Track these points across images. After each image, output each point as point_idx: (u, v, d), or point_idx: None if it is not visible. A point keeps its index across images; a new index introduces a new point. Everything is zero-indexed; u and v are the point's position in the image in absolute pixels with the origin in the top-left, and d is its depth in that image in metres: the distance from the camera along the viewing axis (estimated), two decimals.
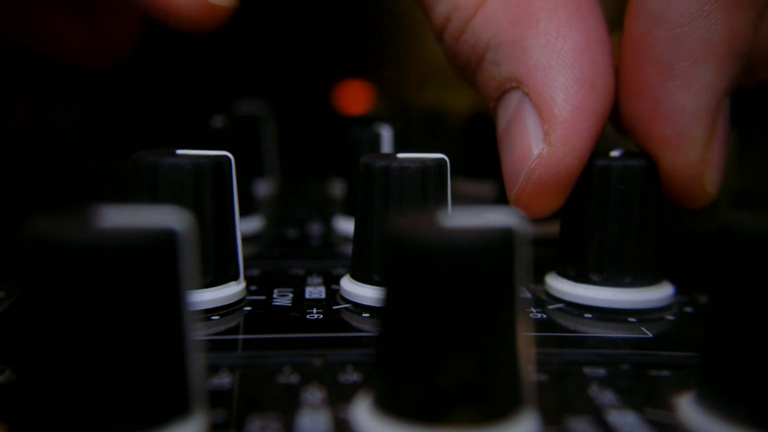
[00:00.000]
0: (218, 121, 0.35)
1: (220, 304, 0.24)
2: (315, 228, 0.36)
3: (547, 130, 0.24)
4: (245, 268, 0.29)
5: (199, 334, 0.21)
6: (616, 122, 0.25)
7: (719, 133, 0.23)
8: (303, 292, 0.26)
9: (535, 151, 0.24)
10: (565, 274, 0.26)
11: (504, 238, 0.15)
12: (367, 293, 0.24)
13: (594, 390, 0.19)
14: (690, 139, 0.22)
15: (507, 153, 0.25)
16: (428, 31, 0.28)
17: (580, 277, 0.25)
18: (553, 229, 0.30)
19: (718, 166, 0.23)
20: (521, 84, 0.24)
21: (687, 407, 0.17)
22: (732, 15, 0.22)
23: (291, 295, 0.26)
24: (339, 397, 0.18)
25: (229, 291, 0.24)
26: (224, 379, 0.19)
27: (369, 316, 0.24)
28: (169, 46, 0.46)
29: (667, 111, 0.22)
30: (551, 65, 0.24)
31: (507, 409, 0.16)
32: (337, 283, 0.27)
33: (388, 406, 0.16)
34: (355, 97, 0.72)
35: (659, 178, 0.25)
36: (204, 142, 0.33)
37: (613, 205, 0.25)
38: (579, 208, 0.25)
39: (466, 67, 0.26)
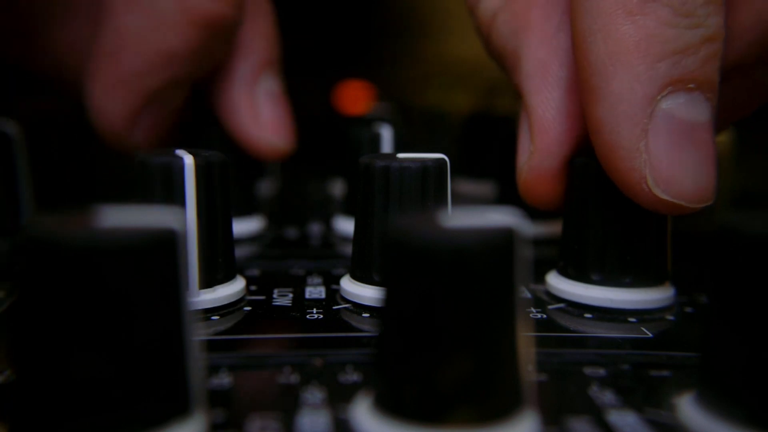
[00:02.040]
0: (219, 121, 0.35)
1: (206, 306, 0.24)
2: (315, 228, 0.36)
3: (531, 137, 0.26)
4: (245, 268, 0.29)
5: (199, 334, 0.21)
6: None
7: (659, 138, 0.22)
8: (303, 292, 0.26)
9: (524, 155, 0.26)
10: (565, 274, 0.26)
11: (504, 238, 0.15)
12: (367, 293, 0.24)
13: (594, 390, 0.19)
14: (617, 148, 0.22)
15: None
16: (428, 31, 0.28)
17: (581, 276, 0.25)
18: (554, 229, 0.31)
19: (671, 171, 0.22)
20: (519, 93, 0.26)
21: (687, 407, 0.17)
22: (634, 22, 0.21)
23: (291, 295, 0.26)
24: (339, 397, 0.18)
25: (216, 294, 0.24)
26: (224, 379, 0.19)
27: (369, 316, 0.24)
28: None
29: (594, 124, 0.22)
30: (538, 75, 0.25)
31: (507, 409, 0.16)
32: (337, 283, 0.27)
33: (388, 406, 0.16)
34: (355, 97, 0.72)
35: None
36: (204, 142, 0.33)
37: (614, 204, 0.25)
38: (580, 208, 0.25)
39: (505, 68, 0.28)
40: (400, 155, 0.25)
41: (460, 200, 0.43)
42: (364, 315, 0.24)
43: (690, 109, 0.22)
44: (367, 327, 0.23)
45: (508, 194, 0.35)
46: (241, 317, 0.24)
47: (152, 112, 0.31)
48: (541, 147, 0.25)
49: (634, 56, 0.21)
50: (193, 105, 0.34)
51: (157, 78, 0.30)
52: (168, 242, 0.15)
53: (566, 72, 0.25)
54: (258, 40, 0.33)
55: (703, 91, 0.22)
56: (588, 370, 0.20)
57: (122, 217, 0.15)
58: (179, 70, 0.30)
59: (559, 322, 0.24)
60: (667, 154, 0.22)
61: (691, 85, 0.21)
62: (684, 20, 0.21)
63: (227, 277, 0.25)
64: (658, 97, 0.21)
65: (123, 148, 0.32)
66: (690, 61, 0.21)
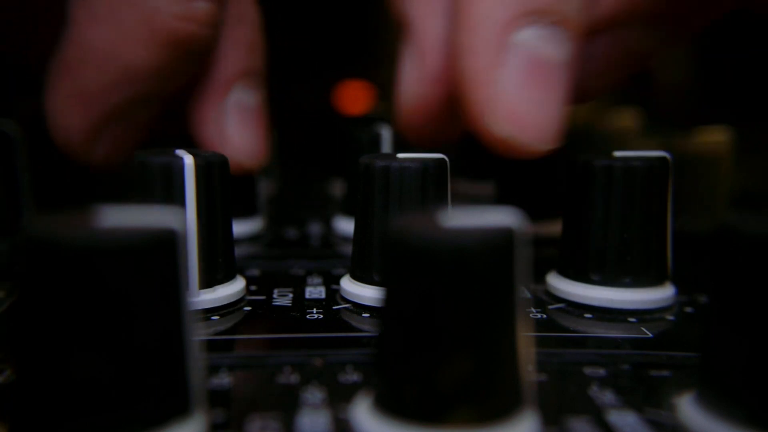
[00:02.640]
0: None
1: (206, 306, 0.24)
2: (315, 228, 0.36)
3: (420, 63, 0.25)
4: (245, 268, 0.29)
5: (199, 334, 0.21)
6: None
7: (510, 71, 0.20)
8: (303, 292, 0.26)
9: (411, 82, 0.25)
10: (565, 274, 0.26)
11: (504, 238, 0.15)
12: (367, 293, 0.24)
13: (594, 390, 0.19)
14: (469, 75, 0.21)
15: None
16: None
17: (581, 276, 0.25)
18: (554, 229, 0.31)
19: (515, 108, 0.21)
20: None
21: (687, 407, 0.17)
22: None
23: (291, 295, 0.26)
24: (339, 397, 0.18)
25: (216, 294, 0.24)
26: (224, 379, 0.19)
27: (369, 316, 0.24)
28: None
29: (455, 48, 0.21)
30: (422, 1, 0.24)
31: (507, 409, 0.16)
32: (337, 283, 0.27)
33: (388, 406, 0.16)
34: (355, 97, 0.72)
35: (661, 179, 0.25)
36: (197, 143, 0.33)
37: (615, 204, 0.25)
38: (580, 208, 0.25)
39: None
40: (400, 155, 0.25)
41: (460, 200, 0.43)
42: (364, 315, 0.24)
43: (547, 45, 0.21)
44: (367, 327, 0.23)
45: (508, 194, 0.35)
46: (241, 317, 0.24)
47: (114, 128, 0.30)
48: (430, 73, 0.24)
49: None
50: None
51: (119, 95, 0.29)
52: (168, 242, 0.15)
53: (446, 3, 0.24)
54: (234, 51, 0.31)
55: (566, 28, 0.21)
56: (588, 370, 0.20)
57: (122, 217, 0.15)
58: (143, 87, 0.29)
59: (559, 322, 0.24)
60: (516, 89, 0.21)
61: (552, 19, 0.20)
62: None
63: (227, 277, 0.25)
64: (517, 26, 0.20)
65: (83, 162, 0.31)
66: None
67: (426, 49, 0.24)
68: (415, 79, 0.25)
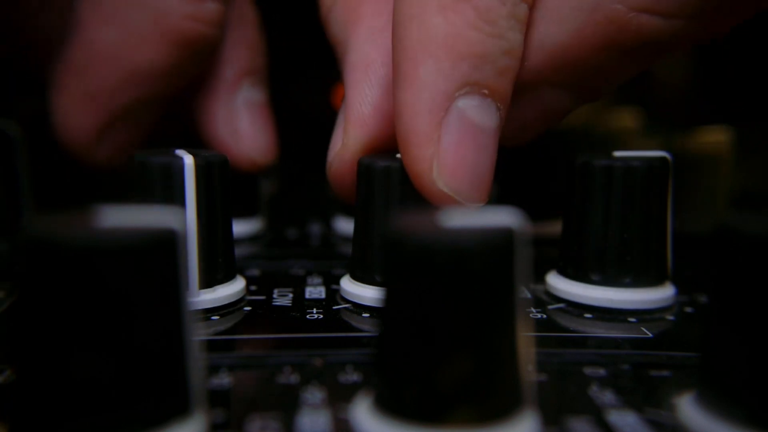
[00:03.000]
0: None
1: (206, 306, 0.24)
2: (315, 228, 0.36)
3: (345, 129, 0.26)
4: (245, 268, 0.29)
5: (199, 334, 0.21)
6: None
7: (451, 131, 0.22)
8: (303, 292, 0.26)
9: (336, 146, 0.27)
10: (565, 274, 0.26)
11: (504, 238, 0.15)
12: (367, 293, 0.24)
13: (594, 390, 0.19)
14: (411, 135, 0.23)
15: None
16: None
17: (581, 276, 0.25)
18: (554, 229, 0.31)
19: (454, 165, 0.23)
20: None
21: (687, 407, 0.17)
22: (449, 12, 0.22)
23: (291, 295, 0.26)
24: (339, 397, 0.18)
25: (216, 294, 0.24)
26: (224, 379, 0.19)
27: (369, 316, 0.24)
28: None
29: (398, 108, 0.23)
30: (359, 69, 0.26)
31: (507, 409, 0.16)
32: (337, 283, 0.27)
33: (388, 406, 0.16)
34: None
35: (661, 179, 0.25)
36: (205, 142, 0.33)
37: (615, 204, 0.25)
38: (580, 208, 0.25)
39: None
40: (400, 155, 0.25)
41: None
42: (364, 315, 0.24)
43: (481, 113, 0.22)
44: (367, 327, 0.23)
45: (508, 194, 0.35)
46: (241, 317, 0.24)
47: (120, 128, 0.31)
48: (352, 141, 0.26)
49: (442, 50, 0.22)
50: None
51: (127, 95, 0.30)
52: (168, 242, 0.15)
53: (387, 71, 0.25)
54: (239, 50, 0.32)
55: (495, 100, 0.23)
56: (588, 370, 0.20)
57: (122, 217, 0.15)
58: (151, 88, 0.30)
59: (559, 322, 0.24)
60: (454, 149, 0.22)
61: (485, 91, 0.22)
62: (487, 27, 0.22)
63: (227, 277, 0.25)
64: (456, 94, 0.22)
65: (88, 162, 0.32)
66: (488, 69, 0.22)
67: (356, 120, 0.26)
68: (342, 143, 0.26)
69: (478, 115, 0.22)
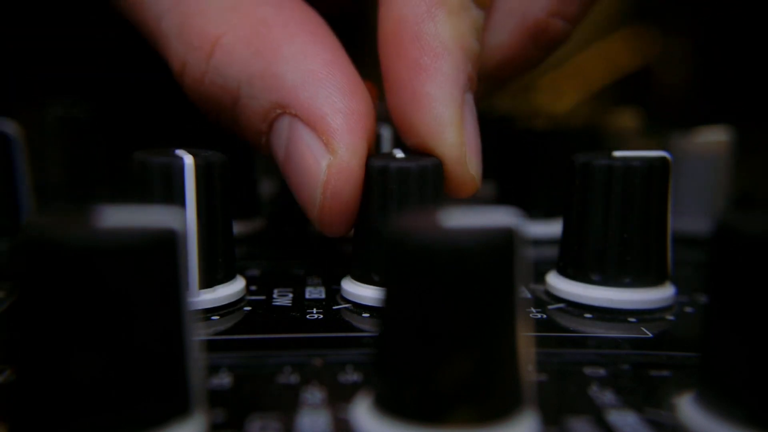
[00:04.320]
0: None
1: (206, 306, 0.24)
2: (315, 228, 0.36)
3: (326, 141, 0.24)
4: (245, 268, 0.29)
5: (199, 334, 0.21)
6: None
7: (469, 122, 0.25)
8: (303, 292, 0.26)
9: (323, 164, 0.24)
10: (565, 274, 0.26)
11: (504, 238, 0.15)
12: (367, 293, 0.24)
13: (594, 390, 0.19)
14: (445, 124, 0.24)
15: (296, 177, 0.25)
16: None
17: (581, 276, 0.25)
18: (554, 229, 0.31)
19: (476, 152, 0.25)
20: (287, 107, 0.25)
21: (687, 407, 0.17)
22: (455, 17, 0.25)
23: (291, 295, 0.26)
24: (339, 397, 0.18)
25: (216, 294, 0.24)
26: (224, 379, 0.19)
27: (369, 316, 0.24)
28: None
29: (422, 101, 0.24)
30: (309, 82, 0.25)
31: (507, 409, 0.16)
32: (337, 283, 0.27)
33: (388, 406, 0.16)
34: None
35: (661, 179, 0.25)
36: (206, 142, 0.33)
37: (615, 204, 0.25)
38: (580, 208, 0.25)
39: (220, 108, 0.27)
40: (400, 155, 0.25)
41: (460, 200, 0.43)
42: (364, 315, 0.24)
43: (473, 106, 0.26)
44: (367, 327, 0.23)
45: (508, 194, 0.35)
46: (241, 317, 0.24)
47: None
48: (342, 148, 0.24)
49: (457, 48, 0.25)
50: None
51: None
52: (168, 242, 0.15)
53: (336, 78, 0.25)
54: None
55: (472, 93, 0.26)
56: (588, 370, 0.20)
57: (122, 217, 0.15)
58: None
59: (559, 322, 0.24)
60: (474, 137, 0.25)
61: (473, 87, 0.26)
62: (476, 33, 0.26)
63: (227, 277, 0.25)
64: (465, 89, 0.25)
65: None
66: (474, 69, 0.26)
67: (342, 124, 0.25)
68: (331, 154, 0.25)
69: (474, 107, 0.26)
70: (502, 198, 0.36)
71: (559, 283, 0.26)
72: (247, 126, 0.27)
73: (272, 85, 0.25)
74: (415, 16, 0.25)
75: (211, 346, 0.22)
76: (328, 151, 0.24)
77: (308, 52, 0.25)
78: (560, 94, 0.81)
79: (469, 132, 0.25)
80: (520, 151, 0.35)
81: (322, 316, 0.24)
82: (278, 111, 0.25)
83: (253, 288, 0.27)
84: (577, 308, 0.25)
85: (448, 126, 0.24)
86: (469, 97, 0.25)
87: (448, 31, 0.25)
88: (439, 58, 0.24)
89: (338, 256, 0.31)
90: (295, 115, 0.25)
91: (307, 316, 0.24)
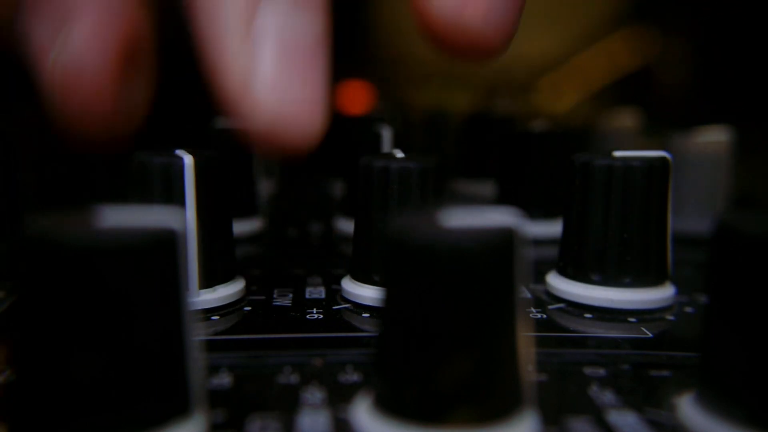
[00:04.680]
0: (221, 122, 0.35)
1: (206, 306, 0.24)
2: (315, 228, 0.36)
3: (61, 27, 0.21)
4: (245, 268, 0.29)
5: (199, 334, 0.21)
6: None
7: (265, 49, 0.19)
8: (303, 292, 0.26)
9: (52, 53, 0.21)
10: (565, 274, 0.26)
11: (504, 238, 0.15)
12: (367, 293, 0.24)
13: (594, 390, 0.19)
14: (222, 36, 0.19)
15: (32, 57, 0.21)
16: None
17: (581, 276, 0.25)
18: (554, 229, 0.31)
19: (280, 80, 0.19)
20: None
21: (687, 407, 0.17)
22: None
23: (291, 295, 0.26)
24: (339, 397, 0.18)
25: (216, 294, 0.24)
26: (224, 379, 0.19)
27: (369, 316, 0.24)
28: (171, 46, 0.46)
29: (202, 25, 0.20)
30: None
31: (507, 409, 0.16)
32: (337, 283, 0.27)
33: (388, 406, 0.16)
34: (355, 97, 0.72)
35: (661, 179, 0.25)
36: (206, 142, 0.33)
37: (615, 204, 0.25)
38: (580, 208, 0.25)
39: None
40: (400, 155, 0.25)
41: (460, 200, 0.43)
42: (364, 315, 0.24)
43: (297, 21, 0.20)
44: (367, 327, 0.23)
45: (508, 194, 0.35)
46: (241, 317, 0.24)
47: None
48: (90, 29, 0.20)
49: None
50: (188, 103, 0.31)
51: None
52: (168, 242, 0.15)
53: None
54: None
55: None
56: (588, 370, 0.20)
57: (122, 217, 0.15)
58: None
59: (559, 322, 0.24)
60: (276, 72, 0.19)
61: None
62: None
63: (227, 277, 0.25)
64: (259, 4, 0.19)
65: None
66: None
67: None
68: (65, 39, 0.20)
69: (290, 27, 0.19)
70: (502, 198, 0.36)
71: (559, 283, 0.26)
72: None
73: None
74: None
75: (211, 346, 0.22)
76: (60, 30, 0.21)
77: None
78: (560, 94, 0.81)
79: (271, 58, 0.19)
80: (520, 151, 0.35)
81: (322, 316, 0.24)
82: None
83: (253, 288, 0.27)
84: (577, 308, 0.25)
85: (229, 55, 0.19)
86: (277, 12, 0.19)
87: None
88: None
89: (338, 256, 0.31)
90: None
91: (307, 316, 0.24)
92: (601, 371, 0.20)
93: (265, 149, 0.20)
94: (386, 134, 0.35)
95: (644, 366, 0.21)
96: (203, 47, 0.19)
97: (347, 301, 0.25)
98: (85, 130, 0.21)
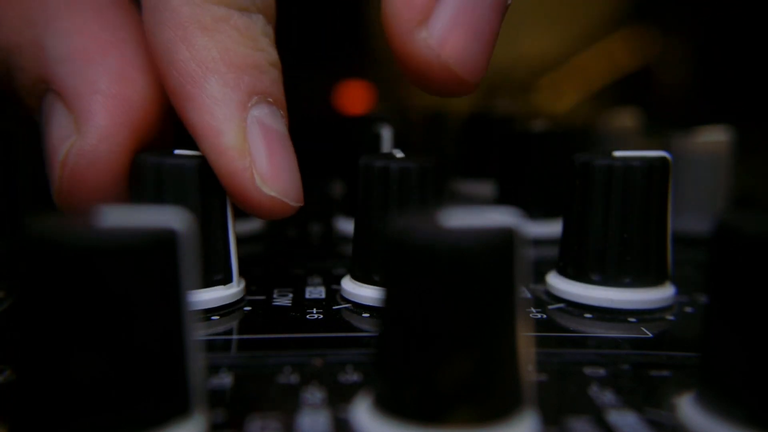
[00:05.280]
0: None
1: (206, 306, 0.24)
2: (315, 228, 0.36)
3: (75, 121, 0.23)
4: (246, 268, 0.29)
5: (199, 334, 0.21)
6: None
7: (259, 134, 0.23)
8: (303, 292, 0.26)
9: (66, 143, 0.23)
10: (565, 274, 0.26)
11: (504, 238, 0.15)
12: (367, 293, 0.24)
13: (594, 390, 0.19)
14: (223, 151, 0.23)
15: (45, 155, 0.24)
16: None
17: (581, 276, 0.25)
18: (554, 229, 0.31)
19: (271, 168, 0.23)
20: (50, 83, 0.24)
21: (687, 407, 0.17)
22: (211, 34, 0.23)
23: (291, 295, 0.26)
24: (339, 397, 0.18)
25: (214, 295, 0.24)
26: (224, 379, 0.19)
27: (369, 316, 0.24)
28: None
29: (196, 130, 0.23)
30: (74, 59, 0.23)
31: (507, 409, 0.16)
32: (337, 283, 0.27)
33: (388, 406, 0.16)
34: (355, 97, 0.72)
35: (661, 179, 0.25)
36: None
37: (615, 204, 0.25)
38: (580, 208, 0.25)
39: None
40: (400, 155, 0.25)
41: (460, 200, 0.43)
42: (364, 315, 0.24)
43: (273, 120, 0.23)
44: (367, 327, 0.23)
45: (508, 194, 0.35)
46: (241, 317, 0.24)
47: None
48: (90, 131, 0.23)
49: (221, 65, 0.23)
50: None
51: None
52: (168, 242, 0.15)
53: (107, 58, 0.24)
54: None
55: (279, 107, 0.24)
56: (588, 370, 0.20)
57: (122, 217, 0.15)
58: None
59: (559, 322, 0.24)
60: (266, 155, 0.23)
61: (269, 99, 0.23)
62: (251, 42, 0.23)
63: (227, 278, 0.25)
64: (249, 105, 0.23)
65: None
66: (265, 78, 0.23)
67: (101, 102, 0.23)
68: (78, 132, 0.23)
69: (272, 121, 0.23)
70: (502, 198, 0.36)
71: (559, 283, 0.26)
72: (20, 100, 0.25)
73: (37, 56, 0.24)
74: (165, 40, 0.23)
75: (211, 346, 0.22)
76: (75, 131, 0.23)
77: (85, 28, 0.24)
78: (560, 94, 0.81)
79: (259, 151, 0.23)
80: (520, 151, 0.35)
81: (322, 316, 0.24)
82: (43, 86, 0.24)
83: (253, 288, 0.27)
84: (577, 308, 0.25)
85: (226, 153, 0.22)
86: (263, 109, 0.23)
87: (206, 49, 0.22)
88: (202, 81, 0.22)
89: (338, 256, 0.31)
90: (56, 92, 0.24)
91: (307, 316, 0.24)
92: (601, 371, 0.20)
93: (264, 213, 0.24)
94: (386, 134, 0.35)
95: (644, 366, 0.21)
96: (206, 135, 0.23)
97: (347, 301, 0.25)
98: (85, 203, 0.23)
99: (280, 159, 0.23)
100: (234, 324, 0.23)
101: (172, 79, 0.23)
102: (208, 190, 0.24)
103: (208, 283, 0.24)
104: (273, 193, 0.23)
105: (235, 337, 0.23)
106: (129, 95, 0.23)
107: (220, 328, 0.23)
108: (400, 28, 0.22)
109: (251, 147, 0.23)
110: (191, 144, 0.24)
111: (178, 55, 0.22)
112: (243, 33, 0.23)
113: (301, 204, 0.24)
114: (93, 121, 0.23)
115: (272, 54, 0.24)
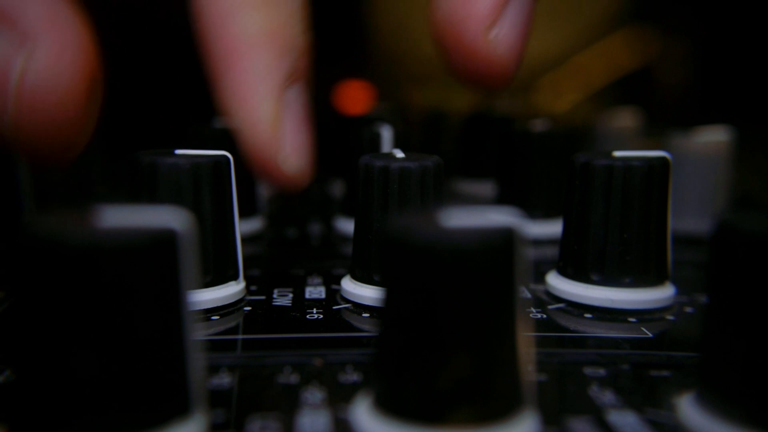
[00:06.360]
0: (220, 122, 0.35)
1: (219, 304, 0.24)
2: (315, 228, 0.36)
3: (20, 37, 0.20)
4: (245, 268, 0.29)
5: (199, 334, 0.21)
6: None
7: (290, 117, 0.24)
8: (303, 292, 0.26)
9: (15, 62, 0.20)
10: (565, 274, 0.26)
11: (504, 238, 0.15)
12: (367, 293, 0.24)
13: (594, 390, 0.19)
14: (258, 122, 0.23)
15: None
16: (428, 31, 0.28)
17: (581, 276, 0.25)
18: (554, 229, 0.31)
19: (297, 148, 0.24)
20: None
21: (687, 407, 0.17)
22: (264, 10, 0.23)
23: (291, 295, 0.26)
24: (339, 397, 0.18)
25: (229, 291, 0.24)
26: (224, 379, 0.19)
27: (369, 316, 0.24)
28: (170, 46, 0.46)
29: (235, 99, 0.23)
30: None
31: (507, 409, 0.16)
32: (337, 283, 0.27)
33: (388, 406, 0.16)
34: (355, 97, 0.72)
35: (661, 179, 0.25)
36: (206, 142, 0.33)
37: (615, 204, 0.25)
38: (580, 208, 0.25)
39: None
40: (400, 155, 0.25)
41: (460, 200, 0.43)
42: (364, 315, 0.24)
43: (301, 102, 0.24)
44: (367, 327, 0.23)
45: (508, 194, 0.35)
46: (241, 317, 0.24)
47: None
48: (56, 38, 0.20)
49: (268, 44, 0.23)
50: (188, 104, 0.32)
51: None
52: (168, 242, 0.15)
53: None
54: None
55: (305, 90, 0.25)
56: (588, 370, 0.20)
57: (122, 217, 0.15)
58: None
59: (559, 322, 0.24)
60: (292, 134, 0.24)
61: (301, 82, 0.24)
62: (297, 24, 0.24)
63: (228, 278, 0.25)
64: (286, 85, 0.24)
65: None
66: (302, 62, 0.24)
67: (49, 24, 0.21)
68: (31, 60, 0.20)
69: (301, 104, 0.24)
70: (502, 198, 0.36)
71: (559, 283, 0.26)
72: None
73: None
74: (216, 10, 0.23)
75: (211, 346, 0.22)
76: (18, 47, 0.20)
77: None
78: (560, 94, 0.81)
79: (290, 127, 0.24)
80: (520, 151, 0.35)
81: (322, 316, 0.24)
82: None
83: (253, 288, 0.27)
84: (577, 308, 0.25)
85: (260, 125, 0.23)
86: (295, 91, 0.24)
87: (256, 26, 0.23)
88: (246, 56, 0.23)
89: (338, 256, 0.31)
90: None
91: (307, 316, 0.24)
92: (601, 371, 0.20)
93: (283, 185, 0.24)
94: (386, 134, 0.35)
95: (644, 366, 0.21)
96: (235, 105, 0.23)
97: (347, 301, 0.25)
98: (41, 148, 0.21)
99: (302, 139, 0.24)
100: (233, 324, 0.23)
101: (219, 50, 0.23)
102: (220, 188, 0.24)
103: (222, 279, 0.24)
104: (293, 169, 0.24)
105: (235, 337, 0.23)
106: (72, 23, 0.21)
107: (220, 328, 0.23)
108: (471, 31, 0.23)
109: (282, 125, 0.23)
110: (192, 144, 0.24)
111: (228, 29, 0.23)
112: (293, 13, 0.24)
113: (309, 181, 0.25)
114: (48, 35, 0.20)
115: (307, 38, 0.25)
